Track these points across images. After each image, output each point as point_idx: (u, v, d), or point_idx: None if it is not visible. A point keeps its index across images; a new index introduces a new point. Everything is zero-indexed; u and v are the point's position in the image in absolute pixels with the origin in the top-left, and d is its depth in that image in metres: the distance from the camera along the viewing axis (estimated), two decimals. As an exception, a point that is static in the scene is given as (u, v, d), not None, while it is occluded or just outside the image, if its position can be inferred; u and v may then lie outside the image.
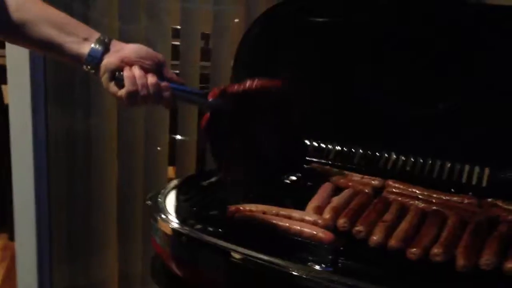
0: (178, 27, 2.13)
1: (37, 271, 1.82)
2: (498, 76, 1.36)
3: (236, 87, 1.16)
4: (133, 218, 2.11)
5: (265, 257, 0.98)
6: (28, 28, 1.03)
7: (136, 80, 1.04)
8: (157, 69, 1.09)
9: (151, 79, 1.06)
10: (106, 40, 1.08)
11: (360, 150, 1.57)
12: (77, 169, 1.92)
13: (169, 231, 1.16)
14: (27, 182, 1.71)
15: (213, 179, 1.43)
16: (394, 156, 1.52)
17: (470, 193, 1.31)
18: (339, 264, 0.98)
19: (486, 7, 1.51)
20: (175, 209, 1.25)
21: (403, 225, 1.05)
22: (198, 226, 1.11)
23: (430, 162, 1.46)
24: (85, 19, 1.75)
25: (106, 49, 1.07)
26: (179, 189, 1.32)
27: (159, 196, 1.31)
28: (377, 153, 1.54)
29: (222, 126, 1.21)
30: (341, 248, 1.01)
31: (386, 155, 1.53)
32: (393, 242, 0.99)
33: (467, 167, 1.41)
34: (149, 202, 1.31)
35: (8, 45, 1.65)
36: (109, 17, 1.85)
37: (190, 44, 2.03)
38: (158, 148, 2.12)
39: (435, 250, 0.96)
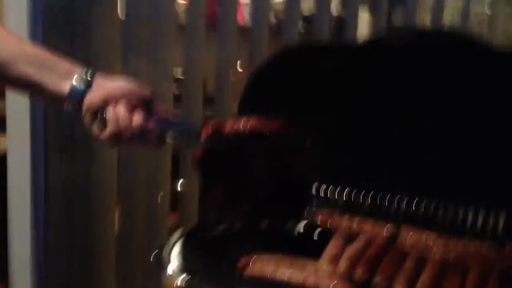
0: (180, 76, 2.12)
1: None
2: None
3: (229, 126, 1.10)
4: (134, 267, 2.04)
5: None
6: (3, 68, 0.96)
7: (119, 121, 0.97)
8: (144, 106, 1.02)
9: (136, 119, 0.98)
10: (88, 76, 1.00)
11: (369, 195, 1.53)
12: (76, 218, 1.86)
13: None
14: (25, 232, 1.65)
15: (221, 228, 1.38)
16: (406, 201, 1.47)
17: (486, 239, 1.27)
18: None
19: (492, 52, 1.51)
20: (181, 263, 1.20)
21: (424, 277, 1.00)
22: (207, 282, 1.05)
23: (443, 207, 1.42)
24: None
25: (88, 86, 0.99)
26: (185, 241, 1.27)
27: (164, 249, 1.26)
28: (387, 198, 1.50)
29: (215, 164, 1.15)
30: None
31: (396, 200, 1.49)
32: (416, 296, 0.93)
33: (482, 212, 1.37)
34: (153, 256, 1.26)
35: (8, 93, 1.62)
36: (111, 65, 1.84)
37: (192, 90, 2.02)
38: (161, 194, 2.07)
39: (462, 304, 0.91)
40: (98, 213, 1.89)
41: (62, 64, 1.00)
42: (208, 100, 2.12)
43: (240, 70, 2.08)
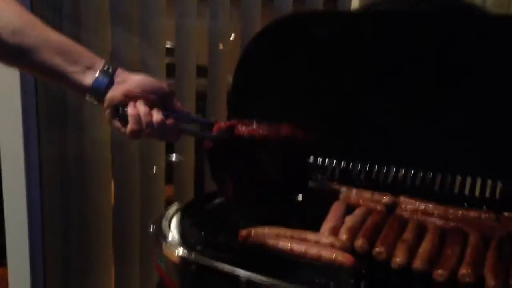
0: (168, 45, 2.08)
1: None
2: (508, 86, 1.34)
3: (243, 130, 1.17)
4: (130, 240, 2.03)
5: (283, 284, 0.93)
6: (28, 54, 0.97)
7: (141, 118, 1.00)
8: (162, 101, 1.05)
9: (157, 116, 1.01)
10: (110, 70, 1.02)
11: (367, 166, 1.53)
12: (72, 193, 1.84)
13: (176, 259, 1.09)
14: (20, 209, 1.63)
15: (217, 201, 1.37)
16: (403, 171, 1.47)
17: (484, 207, 1.28)
18: (362, 289, 0.93)
19: (489, 16, 1.49)
20: (180, 234, 1.19)
21: (425, 245, 1.00)
22: (208, 253, 1.04)
23: (441, 176, 1.42)
24: (76, 38, 1.70)
25: (110, 81, 1.02)
26: (183, 213, 1.25)
27: (163, 220, 1.25)
28: (384, 169, 1.50)
29: (225, 151, 1.19)
30: (363, 272, 0.95)
31: (394, 170, 1.49)
32: (418, 264, 0.93)
33: (479, 181, 1.37)
34: (152, 227, 1.25)
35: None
36: (100, 37, 1.80)
37: (185, 61, 1.98)
38: (154, 168, 2.05)
39: (463, 270, 0.91)
40: (93, 187, 1.88)
41: (86, 56, 1.01)
42: (201, 71, 2.09)
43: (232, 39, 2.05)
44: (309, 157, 1.54)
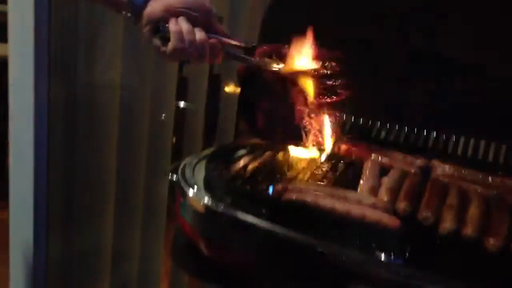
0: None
1: (33, 239, 1.67)
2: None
3: (285, 51, 1.07)
4: (133, 188, 1.97)
5: (325, 244, 0.87)
6: None
7: (184, 35, 0.91)
8: (205, 20, 0.96)
9: (200, 35, 0.93)
10: None
11: (396, 127, 1.46)
12: (78, 136, 1.76)
13: (202, 209, 1.03)
14: (26, 147, 1.54)
15: (241, 152, 1.30)
16: (434, 134, 1.41)
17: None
18: (406, 254, 0.87)
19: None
20: (206, 184, 1.12)
21: (473, 212, 0.94)
22: (241, 206, 0.98)
23: (473, 142, 1.36)
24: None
25: None
26: (208, 162, 1.18)
27: (186, 169, 1.18)
28: (414, 132, 1.44)
29: (259, 80, 1.12)
30: (409, 236, 0.90)
31: (424, 133, 1.42)
32: (469, 231, 0.88)
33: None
34: (173, 175, 1.18)
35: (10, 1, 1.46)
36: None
37: None
38: (163, 116, 1.97)
39: (518, 241, 0.86)
40: (100, 131, 1.79)
41: None
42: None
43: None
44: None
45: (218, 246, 1.03)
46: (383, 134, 1.46)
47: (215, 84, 1.99)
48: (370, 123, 1.49)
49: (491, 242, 0.86)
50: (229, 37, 1.03)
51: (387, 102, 1.47)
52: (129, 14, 0.92)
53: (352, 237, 0.90)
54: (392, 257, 0.85)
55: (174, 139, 2.03)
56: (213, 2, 1.83)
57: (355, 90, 1.43)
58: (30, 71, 1.46)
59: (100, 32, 1.69)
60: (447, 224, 0.90)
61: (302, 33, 1.44)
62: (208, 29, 0.97)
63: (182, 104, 2.07)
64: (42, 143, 1.54)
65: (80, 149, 1.79)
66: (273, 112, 1.16)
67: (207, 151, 1.29)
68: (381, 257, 0.85)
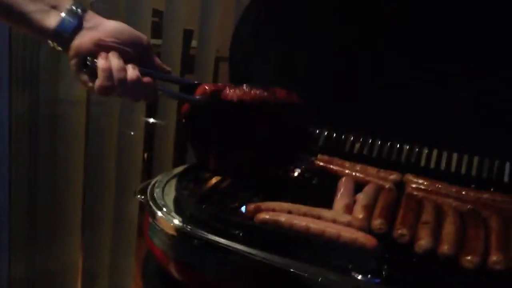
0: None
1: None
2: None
3: (231, 94, 1.02)
4: (101, 206, 1.90)
5: (300, 266, 0.84)
6: None
7: (113, 73, 0.83)
8: (140, 56, 0.89)
9: (132, 73, 0.85)
10: (79, 11, 0.85)
11: (368, 142, 1.45)
12: (41, 150, 1.69)
13: (172, 231, 0.99)
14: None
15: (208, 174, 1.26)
16: (407, 148, 1.40)
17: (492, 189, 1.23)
18: (383, 273, 0.85)
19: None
20: (176, 205, 1.08)
21: (449, 228, 0.93)
22: (213, 227, 0.94)
23: (447, 155, 1.36)
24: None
25: (79, 24, 0.85)
26: (179, 181, 1.14)
27: (156, 188, 1.14)
28: (387, 146, 1.43)
29: (207, 117, 1.06)
30: (386, 255, 0.87)
31: (397, 148, 1.42)
32: (445, 249, 0.86)
33: (487, 162, 1.32)
34: (140, 196, 1.13)
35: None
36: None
37: (173, 24, 1.83)
38: (132, 133, 1.92)
39: (494, 257, 0.84)
40: (65, 145, 1.73)
41: None
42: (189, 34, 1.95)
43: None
44: (305, 126, 1.42)
45: (189, 270, 0.99)
46: (356, 148, 1.45)
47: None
48: (343, 137, 1.48)
49: (468, 259, 0.85)
50: (168, 73, 0.96)
51: (361, 116, 1.46)
52: (55, 45, 0.85)
53: (328, 257, 0.87)
54: (369, 276, 0.83)
55: (144, 156, 1.98)
56: (184, 17, 1.82)
57: (328, 104, 1.43)
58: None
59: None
60: (423, 241, 0.89)
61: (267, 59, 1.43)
62: (144, 64, 0.90)
63: (151, 120, 2.03)
64: (3, 159, 1.48)
65: (44, 165, 1.73)
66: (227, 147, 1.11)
67: (178, 169, 1.25)
68: (358, 277, 0.83)
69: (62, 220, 1.81)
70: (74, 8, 0.85)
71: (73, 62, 0.87)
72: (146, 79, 0.89)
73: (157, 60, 0.94)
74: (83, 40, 0.85)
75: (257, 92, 1.05)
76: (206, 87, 1.02)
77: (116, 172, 1.88)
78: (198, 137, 1.14)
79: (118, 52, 0.86)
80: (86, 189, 1.85)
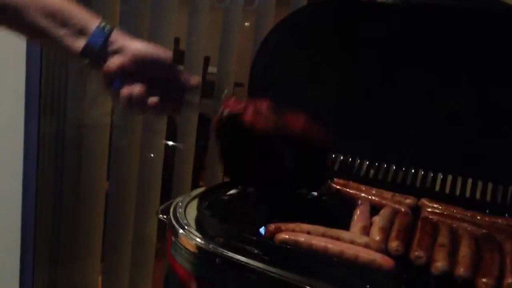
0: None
1: (19, 275, 1.64)
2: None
3: (249, 120, 1.05)
4: (121, 228, 1.95)
5: (319, 285, 0.87)
6: (14, 13, 0.86)
7: (133, 101, 0.90)
8: (164, 73, 0.94)
9: (152, 100, 0.91)
10: (106, 30, 0.90)
11: (383, 167, 1.48)
12: (66, 175, 1.75)
13: (194, 249, 1.02)
14: (15, 185, 1.53)
15: (234, 192, 1.31)
16: (421, 173, 1.43)
17: (506, 215, 1.25)
18: (401, 294, 0.88)
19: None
20: (198, 224, 1.11)
21: (465, 251, 0.95)
22: (234, 246, 0.98)
23: (461, 180, 1.38)
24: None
25: (104, 46, 0.90)
26: (200, 201, 1.18)
27: (178, 208, 1.18)
28: (402, 171, 1.46)
29: (234, 130, 1.10)
30: (404, 276, 0.90)
31: (412, 171, 1.44)
32: (461, 271, 0.89)
33: (501, 188, 1.34)
34: (163, 215, 1.17)
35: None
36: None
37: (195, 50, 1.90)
38: (152, 155, 1.97)
39: (510, 280, 0.87)
40: (88, 169, 1.79)
41: (79, 15, 0.89)
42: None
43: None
44: (324, 154, 1.46)
45: (209, 287, 1.02)
46: (371, 173, 1.48)
47: (205, 123, 2.01)
48: (358, 162, 1.51)
49: (484, 282, 0.87)
50: (194, 86, 0.99)
51: (375, 141, 1.49)
52: (86, 63, 0.90)
53: (346, 277, 0.90)
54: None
55: (163, 178, 2.03)
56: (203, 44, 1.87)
57: (345, 130, 1.46)
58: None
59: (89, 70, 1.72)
60: (440, 263, 0.91)
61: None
62: (170, 79, 0.95)
63: (171, 143, 2.09)
64: (31, 183, 1.53)
65: (68, 187, 1.78)
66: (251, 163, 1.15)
67: (198, 190, 1.29)
68: (375, 298, 0.86)
69: (83, 243, 1.86)
70: (99, 30, 0.90)
71: (102, 80, 0.92)
72: (169, 104, 0.95)
73: (183, 74, 0.99)
74: (109, 65, 0.90)
75: (276, 119, 1.07)
76: (230, 103, 1.05)
77: (136, 194, 1.93)
78: (226, 149, 1.18)
79: (141, 75, 0.91)
80: (108, 211, 1.90)
